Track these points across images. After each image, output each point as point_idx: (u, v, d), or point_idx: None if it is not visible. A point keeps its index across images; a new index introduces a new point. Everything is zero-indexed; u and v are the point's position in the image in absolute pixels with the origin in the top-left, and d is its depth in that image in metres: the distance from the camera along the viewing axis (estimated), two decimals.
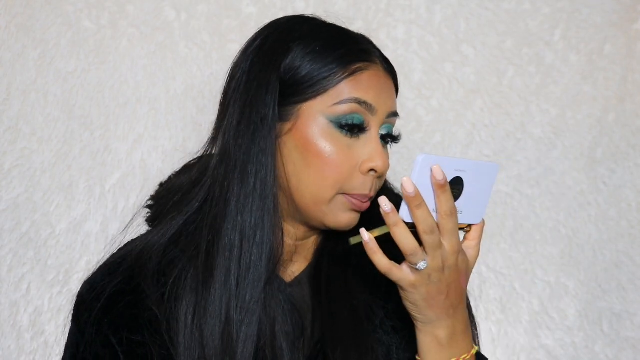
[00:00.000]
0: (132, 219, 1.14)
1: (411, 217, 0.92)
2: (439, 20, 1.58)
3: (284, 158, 1.04)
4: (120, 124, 1.52)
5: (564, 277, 1.60)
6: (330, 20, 1.09)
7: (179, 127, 1.53)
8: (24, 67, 1.49)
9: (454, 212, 0.93)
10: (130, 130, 1.52)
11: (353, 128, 1.02)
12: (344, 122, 1.01)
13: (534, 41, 1.60)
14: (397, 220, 0.91)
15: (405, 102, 1.56)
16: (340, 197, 1.03)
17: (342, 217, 1.04)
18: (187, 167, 1.14)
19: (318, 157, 1.02)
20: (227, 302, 1.01)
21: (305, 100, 1.03)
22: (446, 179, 0.91)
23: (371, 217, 1.02)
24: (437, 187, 0.91)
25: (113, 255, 1.08)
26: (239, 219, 1.02)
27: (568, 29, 1.60)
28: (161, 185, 1.17)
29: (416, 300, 0.95)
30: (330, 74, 1.02)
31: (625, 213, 1.61)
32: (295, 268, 1.10)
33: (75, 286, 1.49)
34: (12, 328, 1.48)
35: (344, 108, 1.01)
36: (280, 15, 1.12)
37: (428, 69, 1.57)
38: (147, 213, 1.14)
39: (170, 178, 1.17)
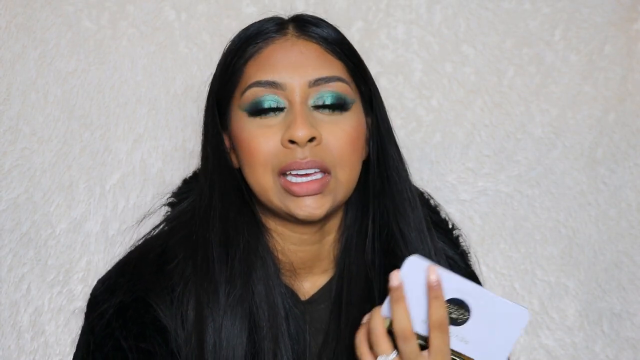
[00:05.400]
0: (147, 214, 1.13)
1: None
2: (439, 20, 1.58)
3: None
4: (120, 124, 1.52)
5: (564, 277, 1.60)
6: (330, 20, 1.08)
7: (179, 127, 1.53)
8: (24, 67, 1.49)
9: (444, 328, 0.84)
10: (130, 130, 1.52)
11: (262, 112, 0.99)
12: (251, 110, 0.99)
13: (534, 41, 1.59)
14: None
15: (405, 102, 1.55)
16: (278, 182, 0.99)
17: (295, 206, 0.99)
18: None
19: (243, 149, 1.00)
20: (204, 308, 0.99)
21: (229, 101, 1.03)
22: (439, 283, 0.83)
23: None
24: (429, 288, 0.83)
25: (128, 254, 1.07)
26: (209, 234, 1.02)
27: (568, 29, 1.60)
28: (185, 181, 1.17)
29: None
30: (233, 66, 1.02)
31: (625, 213, 1.61)
32: (312, 282, 1.07)
33: (75, 286, 1.50)
34: (12, 328, 1.48)
35: (249, 95, 0.99)
36: (280, 15, 1.11)
37: (428, 69, 1.57)
38: (167, 212, 1.13)
39: (195, 173, 1.17)
